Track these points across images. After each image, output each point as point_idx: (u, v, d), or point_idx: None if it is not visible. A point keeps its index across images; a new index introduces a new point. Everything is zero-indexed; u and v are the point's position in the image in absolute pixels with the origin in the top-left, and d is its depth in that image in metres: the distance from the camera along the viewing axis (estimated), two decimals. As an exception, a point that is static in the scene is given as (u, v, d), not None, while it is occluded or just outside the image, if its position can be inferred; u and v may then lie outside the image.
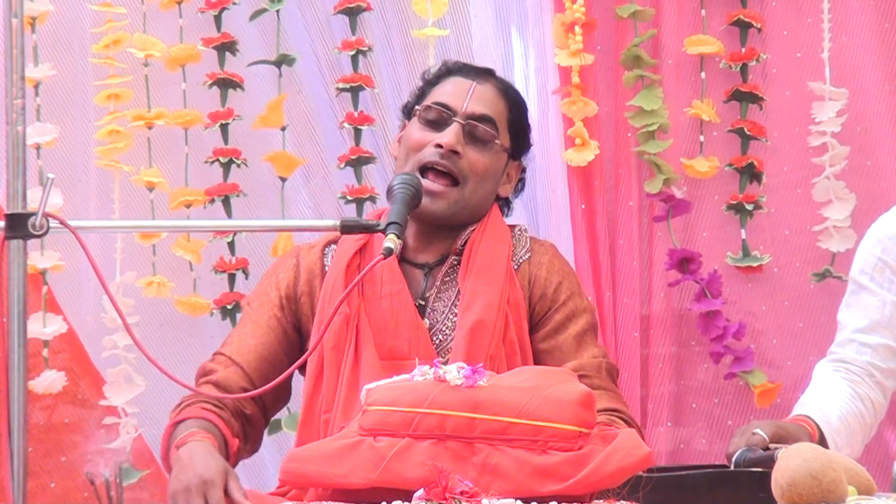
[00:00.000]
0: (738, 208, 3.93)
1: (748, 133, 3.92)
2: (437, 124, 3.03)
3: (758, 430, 2.91)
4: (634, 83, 3.89)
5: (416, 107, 3.09)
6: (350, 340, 2.94)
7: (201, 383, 2.96)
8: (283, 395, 3.05)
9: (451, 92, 3.06)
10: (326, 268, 3.06)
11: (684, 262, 3.89)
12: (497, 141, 3.04)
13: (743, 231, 3.94)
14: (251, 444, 3.00)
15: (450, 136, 2.99)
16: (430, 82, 3.13)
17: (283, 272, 3.09)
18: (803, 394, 3.28)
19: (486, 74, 3.13)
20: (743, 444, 2.90)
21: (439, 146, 2.99)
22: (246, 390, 2.94)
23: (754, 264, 3.92)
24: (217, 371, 2.97)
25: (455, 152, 2.99)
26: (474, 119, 3.03)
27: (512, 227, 3.12)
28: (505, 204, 3.17)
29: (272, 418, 3.10)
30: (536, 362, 2.99)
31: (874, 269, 3.27)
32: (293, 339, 3.04)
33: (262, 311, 3.05)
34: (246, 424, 2.96)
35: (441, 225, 3.03)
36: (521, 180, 3.18)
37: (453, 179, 3.00)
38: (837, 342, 3.30)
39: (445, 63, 3.19)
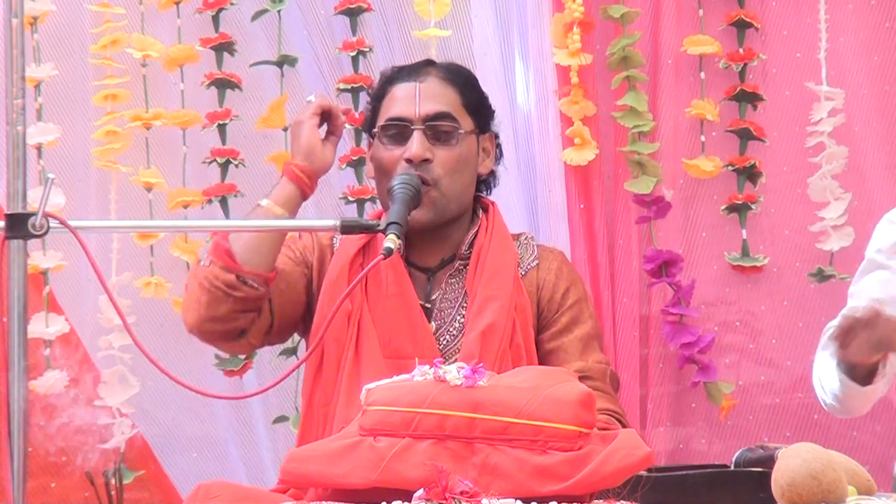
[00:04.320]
0: (737, 208, 3.93)
1: (753, 133, 3.92)
2: (399, 137, 3.06)
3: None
4: (621, 85, 3.90)
5: (373, 128, 3.11)
6: (351, 336, 2.98)
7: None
8: (289, 322, 3.10)
9: (400, 100, 3.08)
10: (335, 248, 3.11)
11: (664, 266, 3.89)
12: (461, 130, 3.06)
13: (744, 231, 3.94)
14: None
15: (415, 146, 3.03)
16: (377, 97, 3.15)
17: (304, 238, 3.16)
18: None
19: (425, 69, 3.14)
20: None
21: (409, 160, 3.02)
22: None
23: (754, 264, 3.92)
24: None
25: (425, 160, 3.02)
26: (431, 119, 3.05)
27: (517, 235, 3.16)
28: (491, 176, 3.19)
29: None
30: (542, 363, 3.02)
31: (892, 248, 3.24)
32: (306, 280, 3.11)
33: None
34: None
35: (435, 226, 3.04)
36: (498, 147, 3.21)
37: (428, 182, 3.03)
38: (849, 307, 3.21)
39: (383, 73, 3.21)
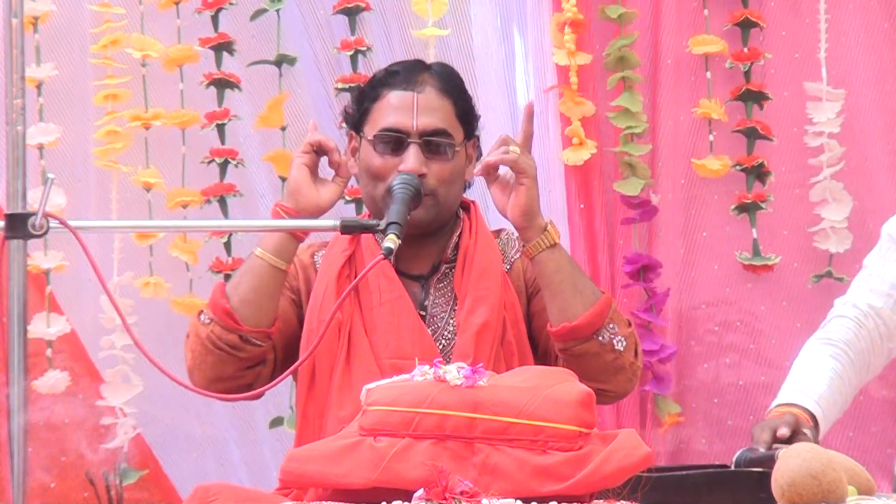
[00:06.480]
0: (746, 208, 3.93)
1: (760, 132, 3.92)
2: (394, 148, 3.01)
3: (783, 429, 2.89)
4: (618, 85, 3.90)
5: (364, 130, 3.05)
6: (342, 346, 2.96)
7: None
8: (291, 353, 3.05)
9: (396, 109, 3.01)
10: (317, 265, 3.08)
11: (642, 270, 3.89)
12: (456, 147, 3.03)
13: (754, 230, 3.94)
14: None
15: (411, 161, 2.97)
16: (370, 98, 3.08)
17: None
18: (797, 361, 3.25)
19: (421, 76, 3.06)
20: (766, 436, 2.87)
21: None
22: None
23: (765, 263, 3.92)
24: None
25: (421, 174, 2.98)
26: (428, 135, 3.00)
27: (497, 232, 3.14)
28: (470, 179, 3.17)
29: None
30: (537, 326, 3.02)
31: None
32: (297, 307, 3.07)
33: None
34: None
35: (427, 231, 3.04)
36: (478, 148, 3.17)
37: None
38: (862, 284, 3.20)
39: (376, 75, 3.15)
